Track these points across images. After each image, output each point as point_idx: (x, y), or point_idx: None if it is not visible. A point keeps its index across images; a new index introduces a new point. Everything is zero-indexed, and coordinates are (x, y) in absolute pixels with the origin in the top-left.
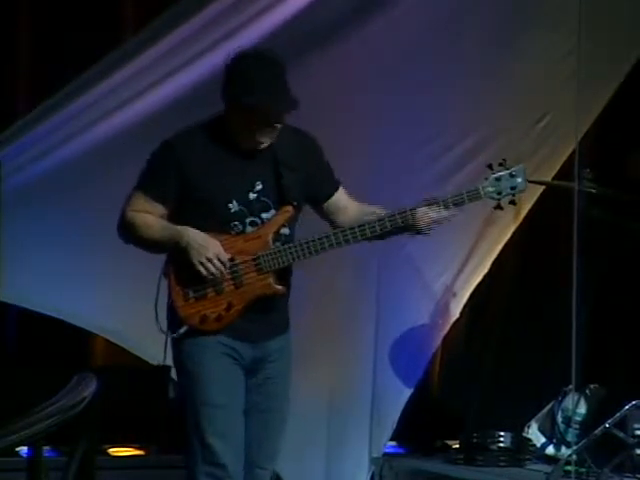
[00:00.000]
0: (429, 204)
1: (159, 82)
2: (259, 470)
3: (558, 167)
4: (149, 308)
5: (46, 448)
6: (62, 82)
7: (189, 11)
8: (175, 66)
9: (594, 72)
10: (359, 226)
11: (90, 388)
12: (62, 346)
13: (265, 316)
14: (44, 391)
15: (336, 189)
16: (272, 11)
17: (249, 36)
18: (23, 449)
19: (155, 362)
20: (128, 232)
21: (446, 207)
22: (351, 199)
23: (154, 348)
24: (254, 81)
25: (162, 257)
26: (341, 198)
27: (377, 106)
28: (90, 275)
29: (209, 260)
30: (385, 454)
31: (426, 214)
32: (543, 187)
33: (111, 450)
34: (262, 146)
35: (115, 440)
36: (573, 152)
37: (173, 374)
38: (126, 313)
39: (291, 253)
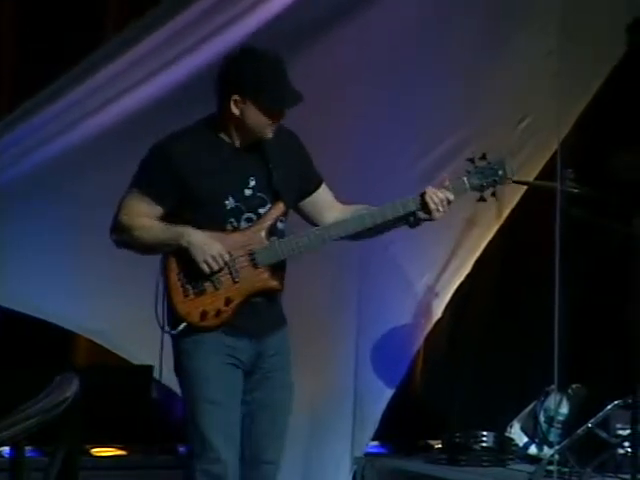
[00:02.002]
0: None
1: (144, 80)
2: (267, 465)
3: (540, 167)
4: (133, 308)
5: (28, 448)
6: (45, 81)
7: (172, 10)
8: (159, 65)
9: (575, 72)
10: (359, 216)
11: (72, 388)
12: (45, 346)
13: (263, 312)
14: (26, 391)
15: (319, 184)
16: (258, 8)
17: (235, 33)
18: (5, 449)
19: (139, 362)
20: (124, 236)
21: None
22: (336, 199)
23: (137, 348)
24: (272, 80)
25: (152, 258)
26: (325, 195)
27: (361, 104)
28: (74, 275)
29: (213, 258)
30: (367, 454)
31: (435, 194)
32: (525, 187)
33: (93, 450)
34: (269, 136)
35: (97, 440)
36: (555, 152)
37: (156, 374)
38: (110, 314)
39: (286, 247)
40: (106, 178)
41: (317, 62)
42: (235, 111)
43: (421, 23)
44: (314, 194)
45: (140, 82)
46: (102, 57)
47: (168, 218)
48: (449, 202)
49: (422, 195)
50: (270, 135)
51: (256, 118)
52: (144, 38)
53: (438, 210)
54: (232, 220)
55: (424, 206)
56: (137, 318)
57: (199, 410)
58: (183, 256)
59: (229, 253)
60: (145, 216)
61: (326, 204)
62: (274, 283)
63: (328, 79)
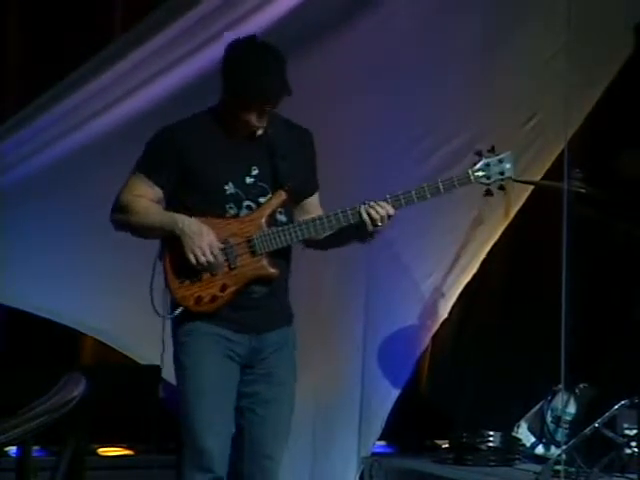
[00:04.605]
0: (392, 197)
1: (148, 81)
2: (266, 460)
3: (547, 167)
4: (139, 307)
5: (35, 448)
6: (52, 81)
7: (176, 12)
8: (163, 66)
9: (583, 72)
10: (363, 203)
11: (79, 388)
12: (51, 346)
13: (262, 307)
14: (33, 391)
15: (314, 192)
16: (260, 12)
17: (238, 35)
18: (12, 449)
19: (145, 361)
20: (123, 216)
21: (422, 198)
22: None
23: (143, 348)
24: (253, 67)
25: (153, 255)
26: (314, 204)
27: (364, 106)
28: (79, 275)
29: (201, 249)
30: (374, 453)
31: (373, 208)
32: (532, 187)
33: (100, 450)
34: (258, 130)
35: (104, 440)
36: (562, 152)
37: (163, 374)
38: (116, 313)
39: (284, 235)
40: (110, 178)
41: (319, 67)
42: (225, 95)
43: (425, 24)
44: (307, 200)
45: (144, 83)
46: (106, 58)
47: (170, 202)
48: (389, 217)
49: (360, 207)
50: (257, 124)
51: (237, 104)
52: (148, 40)
53: (376, 225)
54: (232, 206)
55: (361, 220)
56: (142, 317)
57: (190, 400)
58: (178, 243)
59: (226, 239)
60: (145, 197)
61: (311, 212)
62: (272, 271)
63: (331, 83)
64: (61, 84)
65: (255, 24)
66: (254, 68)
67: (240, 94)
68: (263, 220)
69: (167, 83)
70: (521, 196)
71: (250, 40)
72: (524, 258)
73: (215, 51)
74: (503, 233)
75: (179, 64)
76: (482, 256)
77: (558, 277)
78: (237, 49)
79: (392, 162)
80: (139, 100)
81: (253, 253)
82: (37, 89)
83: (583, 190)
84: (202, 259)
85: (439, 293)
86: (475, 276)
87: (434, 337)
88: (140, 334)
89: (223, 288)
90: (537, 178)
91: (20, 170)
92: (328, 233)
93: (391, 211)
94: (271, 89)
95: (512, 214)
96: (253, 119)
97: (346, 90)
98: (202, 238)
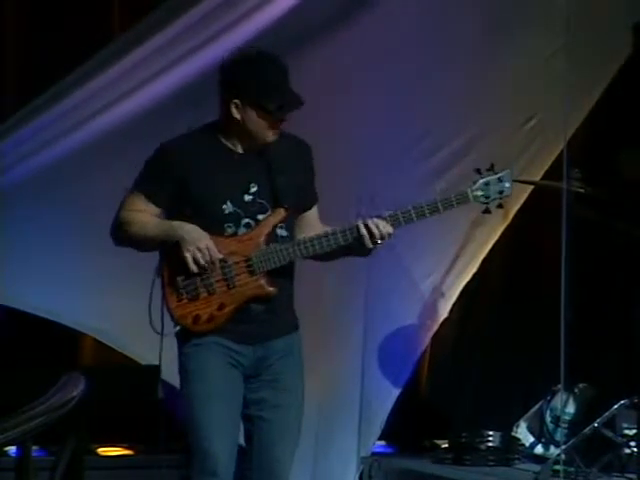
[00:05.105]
0: (390, 216)
1: (148, 81)
2: (276, 464)
3: (547, 167)
4: (138, 307)
5: (35, 448)
6: (49, 82)
7: (175, 12)
8: (163, 66)
9: (582, 72)
10: (367, 222)
11: (78, 388)
12: (51, 346)
13: (264, 320)
14: (33, 391)
15: (313, 204)
16: (260, 12)
17: (235, 38)
18: (12, 449)
19: (145, 361)
20: (122, 231)
21: (421, 216)
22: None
23: (143, 348)
24: (272, 84)
25: (153, 256)
26: (313, 216)
27: (364, 106)
28: (79, 275)
29: (199, 250)
30: (374, 453)
31: (376, 226)
32: (532, 187)
33: (100, 450)
34: (271, 140)
35: (104, 440)
36: (562, 152)
37: (162, 374)
38: (115, 313)
39: (283, 254)
40: (110, 178)
41: (318, 67)
42: (236, 115)
43: (425, 24)
44: (305, 213)
45: (144, 83)
46: (106, 58)
47: (169, 216)
48: (389, 235)
49: (359, 225)
50: (272, 139)
51: (256, 122)
52: (148, 39)
53: (375, 242)
54: (230, 225)
55: (360, 236)
56: (142, 317)
57: (194, 404)
58: (177, 254)
59: (224, 258)
60: (144, 212)
61: (309, 225)
62: (270, 289)
63: (331, 83)
64: (61, 84)
65: (255, 23)
66: (276, 84)
67: (264, 111)
68: (261, 239)
69: (167, 82)
70: (520, 196)
71: (261, 53)
72: (523, 258)
73: (216, 50)
74: (503, 233)
75: (179, 63)
76: (482, 256)
77: (557, 277)
78: (248, 63)
79: (392, 162)
80: (139, 99)
81: (251, 272)
82: (37, 89)
83: (582, 190)
84: (200, 260)
85: (439, 293)
86: (475, 276)
87: (434, 337)
88: (140, 334)
89: (221, 307)
90: (537, 178)
91: (20, 170)
92: (326, 251)
93: (390, 230)
94: (296, 104)
95: (511, 214)
96: (270, 133)
97: (346, 90)
98: (201, 240)
